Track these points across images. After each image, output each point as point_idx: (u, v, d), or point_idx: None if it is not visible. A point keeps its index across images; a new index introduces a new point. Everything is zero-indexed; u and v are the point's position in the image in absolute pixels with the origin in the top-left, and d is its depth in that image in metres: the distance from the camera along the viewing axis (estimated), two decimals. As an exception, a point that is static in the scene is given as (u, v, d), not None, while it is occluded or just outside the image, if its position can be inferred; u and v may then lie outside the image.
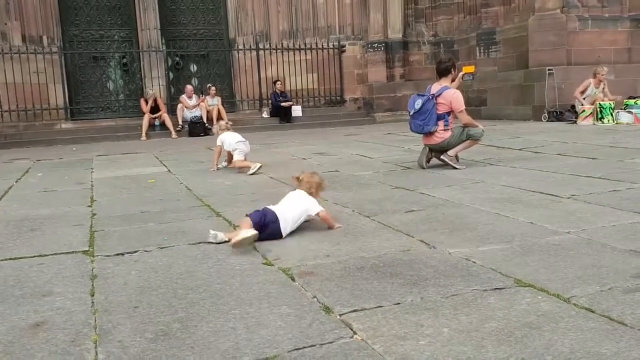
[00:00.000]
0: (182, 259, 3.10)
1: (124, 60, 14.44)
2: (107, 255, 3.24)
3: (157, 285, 2.69)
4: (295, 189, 3.71)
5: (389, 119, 14.39)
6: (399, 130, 10.99)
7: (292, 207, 3.53)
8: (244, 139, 6.70)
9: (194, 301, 2.46)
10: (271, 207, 3.50)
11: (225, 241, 3.30)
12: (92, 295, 2.59)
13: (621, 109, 10.62)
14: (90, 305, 2.47)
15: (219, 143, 6.73)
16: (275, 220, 3.41)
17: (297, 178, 3.75)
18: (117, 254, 3.26)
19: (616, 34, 12.61)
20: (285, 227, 3.44)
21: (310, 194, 3.65)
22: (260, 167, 6.34)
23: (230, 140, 6.64)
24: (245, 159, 6.52)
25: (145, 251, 3.30)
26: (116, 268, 3.01)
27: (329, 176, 5.85)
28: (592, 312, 2.12)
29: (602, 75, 10.94)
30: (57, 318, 2.33)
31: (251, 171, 6.27)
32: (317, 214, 3.58)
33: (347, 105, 15.47)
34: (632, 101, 10.92)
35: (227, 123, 7.52)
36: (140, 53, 14.10)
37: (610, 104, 10.50)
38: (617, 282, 2.41)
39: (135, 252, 3.30)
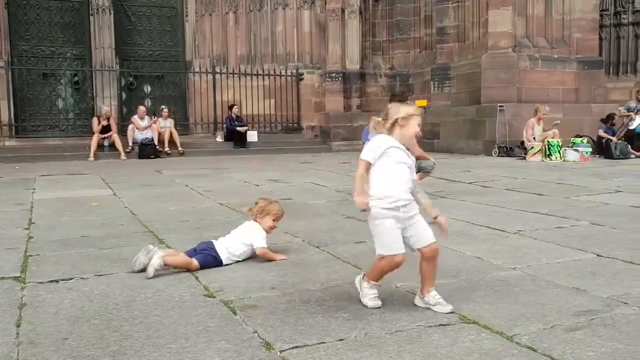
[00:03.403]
0: (119, 288, 2.96)
1: (76, 78, 14.13)
2: (40, 282, 3.07)
3: (90, 316, 2.55)
4: (252, 220, 3.60)
5: (345, 148, 14.47)
6: (354, 159, 11.00)
7: (235, 236, 3.47)
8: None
9: (129, 333, 2.33)
10: (213, 239, 3.45)
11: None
12: (18, 326, 2.43)
13: (568, 147, 10.99)
14: (15, 337, 2.31)
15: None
16: (208, 248, 3.34)
17: (250, 209, 3.61)
18: (51, 281, 3.09)
19: (564, 75, 13.13)
20: (224, 254, 3.35)
21: (254, 218, 3.54)
22: None
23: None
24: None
25: (82, 278, 3.14)
26: (48, 296, 2.84)
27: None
28: (534, 351, 2.11)
29: (543, 114, 11.32)
30: (-25, 351, 2.16)
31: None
32: (255, 250, 3.48)
33: (304, 133, 15.50)
34: (578, 140, 11.34)
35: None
36: (93, 72, 13.82)
37: (558, 142, 10.86)
38: (560, 320, 2.42)
39: (71, 279, 3.13)
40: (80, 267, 3.36)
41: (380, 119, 2.79)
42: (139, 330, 2.36)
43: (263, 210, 3.55)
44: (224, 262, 3.35)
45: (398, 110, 2.73)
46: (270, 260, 3.46)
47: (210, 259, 3.30)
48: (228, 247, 3.39)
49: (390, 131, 2.71)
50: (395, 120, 2.68)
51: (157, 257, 3.12)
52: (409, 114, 2.70)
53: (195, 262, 3.25)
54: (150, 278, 3.07)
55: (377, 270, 2.68)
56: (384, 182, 2.62)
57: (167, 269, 3.19)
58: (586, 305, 2.60)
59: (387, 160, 2.64)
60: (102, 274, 3.22)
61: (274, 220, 3.57)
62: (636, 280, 2.99)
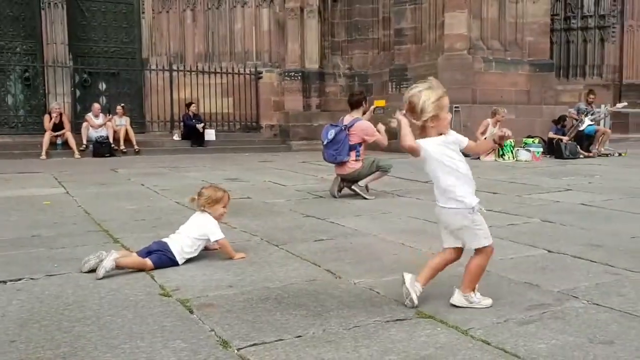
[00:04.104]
0: (72, 288, 2.88)
1: (27, 74, 13.68)
2: (-13, 284, 2.96)
3: (40, 317, 2.47)
4: (199, 211, 3.56)
5: (304, 148, 14.45)
6: (313, 159, 11.04)
7: (188, 232, 3.41)
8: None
9: (81, 334, 2.27)
10: (165, 239, 3.38)
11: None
12: (-37, 329, 2.34)
13: (520, 147, 11.27)
14: (-41, 340, 2.21)
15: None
16: (163, 249, 3.27)
17: (193, 198, 3.56)
18: (-2, 282, 2.99)
19: (517, 77, 13.47)
20: (180, 254, 3.30)
21: (203, 209, 3.49)
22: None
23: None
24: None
25: (32, 279, 3.05)
26: (-5, 298, 2.74)
27: (239, 203, 5.74)
28: (488, 344, 2.15)
29: (502, 116, 11.58)
30: None
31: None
32: (217, 241, 3.46)
33: (263, 132, 15.41)
34: (530, 140, 11.65)
35: None
36: (45, 67, 13.41)
37: (510, 142, 11.11)
38: (512, 314, 2.48)
39: (20, 279, 3.03)
40: (30, 268, 3.26)
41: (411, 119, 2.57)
42: (91, 331, 2.30)
43: (211, 198, 3.51)
44: (180, 262, 3.30)
45: (424, 105, 2.48)
46: (229, 257, 3.44)
47: (165, 259, 3.24)
48: (183, 245, 3.33)
49: (424, 134, 2.60)
50: (424, 123, 2.54)
51: (109, 260, 3.04)
52: (435, 108, 2.49)
53: (149, 262, 3.19)
54: (100, 279, 2.99)
55: (477, 274, 2.59)
56: (454, 186, 2.70)
57: (122, 268, 3.13)
58: (538, 300, 2.68)
59: (436, 165, 2.70)
60: (54, 274, 3.13)
61: (223, 207, 3.55)
62: (584, 275, 3.09)
